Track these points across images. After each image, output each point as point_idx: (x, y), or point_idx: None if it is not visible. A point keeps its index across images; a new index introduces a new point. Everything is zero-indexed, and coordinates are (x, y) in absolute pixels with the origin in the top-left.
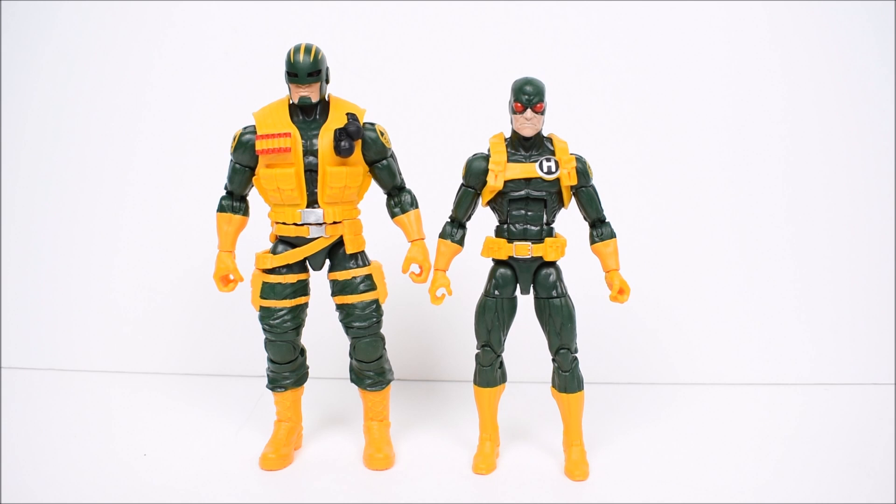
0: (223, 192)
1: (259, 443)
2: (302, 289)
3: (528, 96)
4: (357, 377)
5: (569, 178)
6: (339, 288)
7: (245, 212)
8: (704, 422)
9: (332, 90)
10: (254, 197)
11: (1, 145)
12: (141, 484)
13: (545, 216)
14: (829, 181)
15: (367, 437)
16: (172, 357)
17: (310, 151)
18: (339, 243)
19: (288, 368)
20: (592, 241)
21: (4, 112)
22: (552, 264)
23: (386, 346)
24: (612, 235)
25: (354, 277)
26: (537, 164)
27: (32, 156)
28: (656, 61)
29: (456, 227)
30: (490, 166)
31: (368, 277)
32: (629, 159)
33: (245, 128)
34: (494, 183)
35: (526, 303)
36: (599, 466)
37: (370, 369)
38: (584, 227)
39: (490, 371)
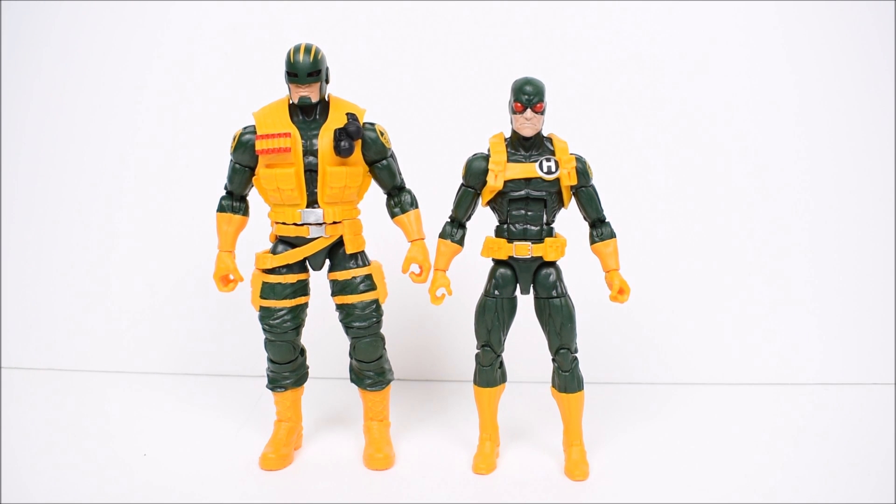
0: (223, 193)
1: (259, 443)
2: (302, 289)
3: (527, 96)
4: (357, 377)
5: (569, 178)
6: (339, 288)
7: (245, 212)
8: (704, 422)
9: (332, 90)
10: (254, 197)
11: (1, 145)
12: (141, 484)
13: (545, 216)
14: (834, 181)
15: (367, 437)
16: (172, 357)
17: (310, 151)
18: (339, 243)
19: (288, 368)
20: (592, 241)
21: (4, 112)
22: (552, 264)
23: (386, 346)
24: (612, 235)
25: (354, 277)
26: (537, 164)
27: (32, 156)
28: (656, 60)
29: (456, 227)
30: (490, 166)
31: (368, 277)
32: (629, 159)
33: (245, 128)
34: (494, 183)
35: (526, 303)
36: (599, 466)
37: (370, 369)
38: (584, 227)
39: (490, 371)
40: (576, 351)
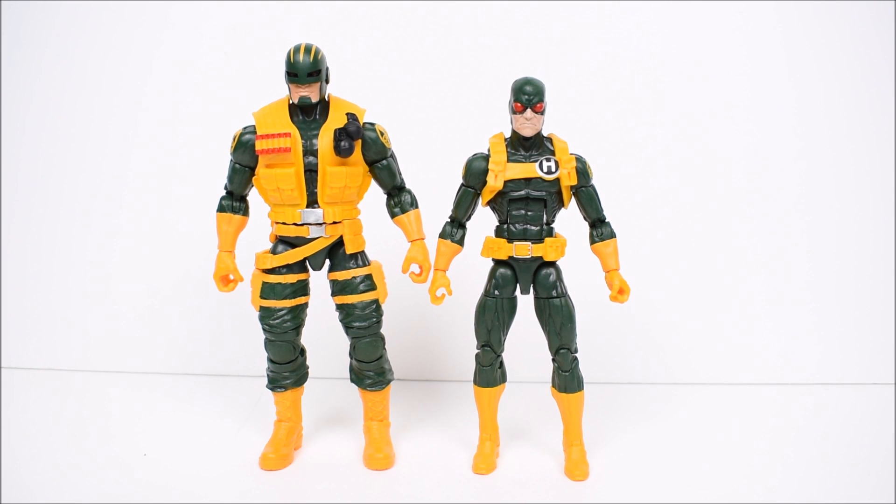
0: (223, 193)
1: (259, 443)
2: (302, 289)
3: (527, 96)
4: (357, 377)
5: (569, 178)
6: (339, 288)
7: (245, 212)
8: (704, 422)
9: (332, 90)
10: (254, 197)
11: (1, 145)
12: (141, 484)
13: (545, 216)
14: (834, 182)
15: (367, 437)
16: (172, 357)
17: (310, 151)
18: (339, 243)
19: (288, 368)
20: (592, 241)
21: (4, 112)
22: (552, 264)
23: (386, 346)
24: (612, 235)
25: (354, 277)
26: (537, 164)
27: (32, 155)
28: (656, 60)
29: (456, 227)
30: (490, 166)
31: (368, 277)
32: (629, 159)
33: (245, 128)
34: (494, 183)
35: (526, 303)
36: (599, 466)
37: (370, 369)
38: (584, 227)
39: (490, 371)
40: (576, 351)
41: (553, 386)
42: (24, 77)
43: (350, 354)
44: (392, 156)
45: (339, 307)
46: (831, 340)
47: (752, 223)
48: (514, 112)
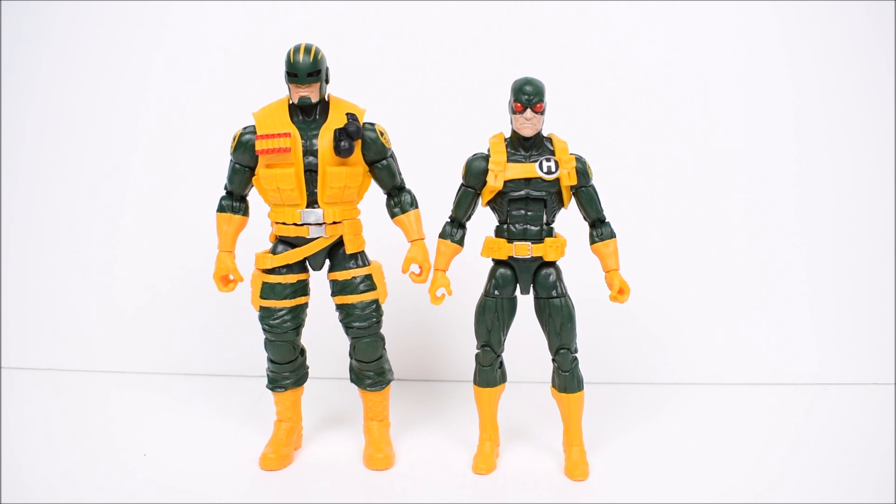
0: (223, 193)
1: (259, 443)
2: (302, 289)
3: (527, 96)
4: (357, 377)
5: (568, 178)
6: (338, 288)
7: (245, 212)
8: (704, 422)
9: (332, 90)
10: (254, 197)
11: (1, 145)
12: (141, 484)
13: (545, 216)
14: (833, 182)
15: (367, 437)
16: (172, 357)
17: (310, 151)
18: (339, 243)
19: (288, 368)
20: (592, 241)
21: (4, 112)
22: (552, 264)
23: (386, 346)
24: (612, 235)
25: (354, 277)
26: (537, 164)
27: (32, 155)
28: (656, 60)
29: (456, 227)
30: (490, 166)
31: (368, 277)
32: (629, 159)
33: (245, 128)
34: (494, 183)
35: (526, 303)
36: (599, 466)
37: (370, 369)
38: (584, 227)
39: (490, 371)
40: (576, 351)
41: (553, 386)
42: (24, 77)
43: (350, 354)
44: (392, 156)
45: (339, 307)
46: (831, 340)
47: (752, 223)
48: (513, 112)
